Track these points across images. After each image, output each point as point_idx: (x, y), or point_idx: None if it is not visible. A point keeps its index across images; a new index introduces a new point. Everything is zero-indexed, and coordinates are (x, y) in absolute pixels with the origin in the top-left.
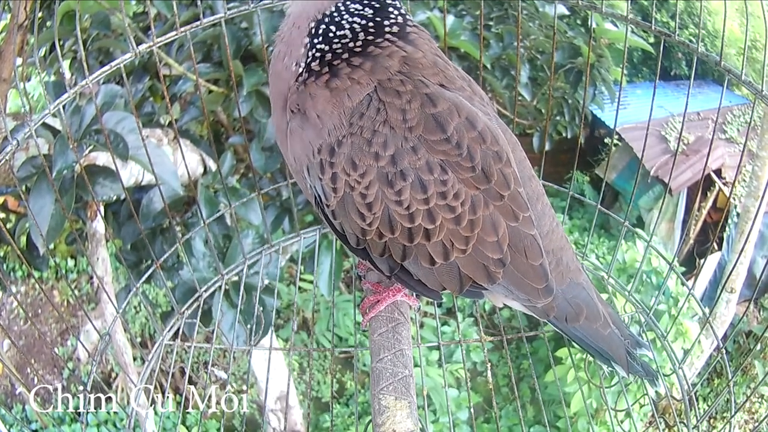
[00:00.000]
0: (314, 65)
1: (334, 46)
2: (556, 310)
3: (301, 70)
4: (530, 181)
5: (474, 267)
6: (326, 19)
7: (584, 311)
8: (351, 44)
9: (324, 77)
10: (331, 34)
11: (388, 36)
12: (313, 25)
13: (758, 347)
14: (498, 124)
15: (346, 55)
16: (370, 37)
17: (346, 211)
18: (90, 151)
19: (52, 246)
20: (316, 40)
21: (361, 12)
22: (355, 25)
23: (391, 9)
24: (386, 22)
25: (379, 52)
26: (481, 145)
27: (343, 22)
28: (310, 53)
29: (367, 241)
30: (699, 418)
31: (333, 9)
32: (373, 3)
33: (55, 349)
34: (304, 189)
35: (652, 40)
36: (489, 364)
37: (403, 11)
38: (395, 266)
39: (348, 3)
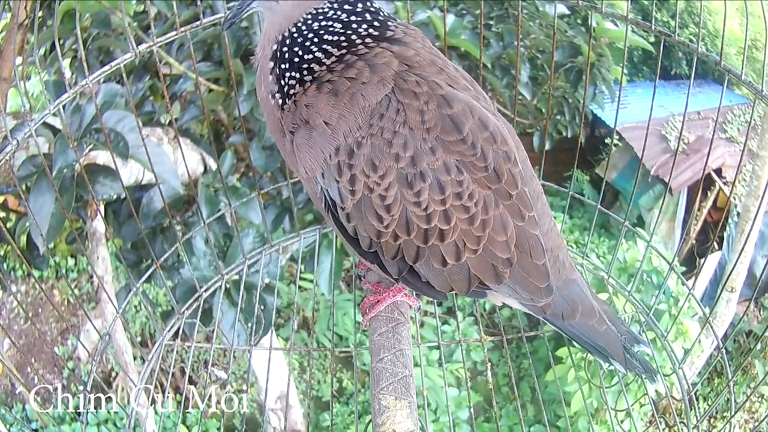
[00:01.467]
0: (292, 91)
1: (305, 71)
2: (553, 307)
3: (281, 101)
4: (531, 181)
5: (483, 267)
6: (287, 41)
7: (579, 308)
8: (326, 62)
9: (311, 88)
10: (297, 59)
11: (364, 41)
12: (275, 47)
13: (758, 347)
14: (502, 122)
15: (324, 68)
16: (344, 51)
17: (363, 214)
18: (90, 150)
19: (52, 245)
20: (283, 66)
21: (330, 28)
22: (325, 46)
23: (359, 21)
24: (360, 30)
25: (356, 58)
26: (493, 145)
27: (308, 44)
28: (283, 81)
29: (380, 243)
30: (699, 417)
31: (293, 29)
32: (341, 17)
33: (55, 349)
34: (313, 194)
35: (652, 39)
36: (489, 364)
37: (381, 16)
38: (405, 268)
39: (310, 22)
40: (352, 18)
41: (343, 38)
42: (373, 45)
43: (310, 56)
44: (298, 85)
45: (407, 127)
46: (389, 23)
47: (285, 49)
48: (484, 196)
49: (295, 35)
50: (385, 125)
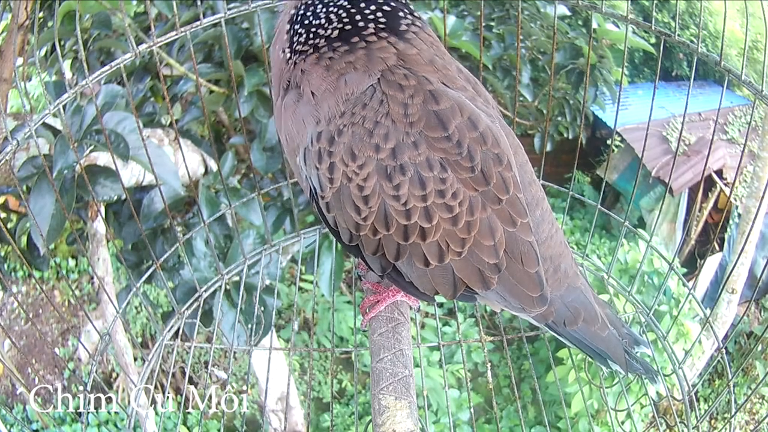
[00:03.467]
0: (299, 47)
1: (311, 34)
2: (555, 315)
3: (288, 55)
4: (530, 187)
5: (469, 271)
6: (302, 7)
7: (582, 314)
8: (328, 32)
9: (312, 56)
10: (307, 21)
11: (373, 28)
12: (293, 11)
13: (759, 348)
14: (501, 126)
15: (324, 41)
16: (348, 27)
17: (342, 204)
18: (90, 152)
19: (52, 246)
20: (297, 26)
21: (345, 5)
22: (331, 15)
23: (375, 7)
24: (366, 12)
25: (364, 45)
26: (482, 147)
27: (318, 11)
28: (294, 39)
29: (360, 237)
30: (699, 418)
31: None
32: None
33: (56, 350)
34: (300, 179)
35: (653, 40)
36: (490, 365)
37: (401, 6)
38: (388, 266)
39: None
40: (372, 6)
41: (345, 14)
42: (384, 36)
43: (318, 21)
44: (304, 45)
45: (389, 119)
46: (403, 19)
47: (300, 12)
48: (470, 197)
49: (309, 3)
50: (366, 114)
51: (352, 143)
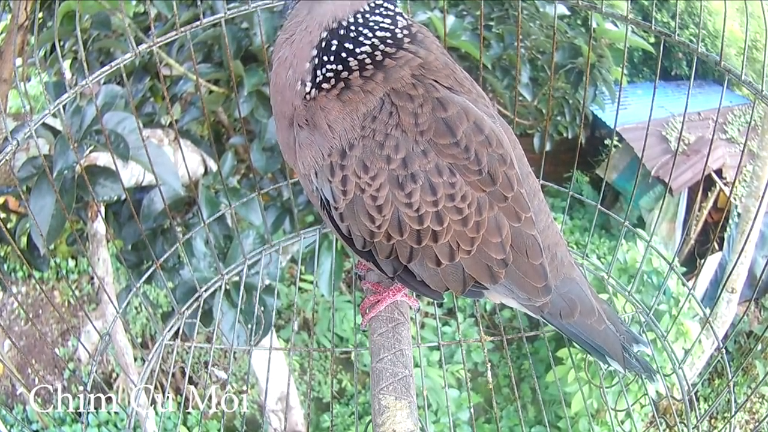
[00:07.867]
0: (325, 85)
1: (350, 64)
2: (550, 306)
3: (308, 89)
4: (528, 179)
5: (478, 267)
6: (341, 31)
7: (578, 306)
8: (368, 60)
9: (335, 91)
10: (344, 54)
11: (405, 45)
12: (325, 35)
13: (759, 347)
14: (500, 123)
15: (359, 73)
16: (388, 49)
17: (355, 214)
18: (90, 152)
19: (52, 246)
20: (326, 57)
21: (381, 24)
22: (376, 41)
23: (399, 15)
24: (399, 28)
25: (394, 63)
26: (488, 149)
27: (362, 38)
28: (319, 72)
29: (374, 243)
30: (699, 418)
31: (351, 19)
32: (388, 12)
33: (56, 350)
34: (309, 192)
35: (652, 40)
36: (489, 365)
37: (402, 14)
38: (399, 268)
39: (367, 15)
40: (397, 10)
41: (389, 34)
42: (407, 47)
43: (362, 49)
44: (333, 80)
45: (399, 130)
46: (409, 22)
47: (335, 41)
48: (478, 198)
49: (352, 27)
50: (377, 127)
51: (363, 156)
